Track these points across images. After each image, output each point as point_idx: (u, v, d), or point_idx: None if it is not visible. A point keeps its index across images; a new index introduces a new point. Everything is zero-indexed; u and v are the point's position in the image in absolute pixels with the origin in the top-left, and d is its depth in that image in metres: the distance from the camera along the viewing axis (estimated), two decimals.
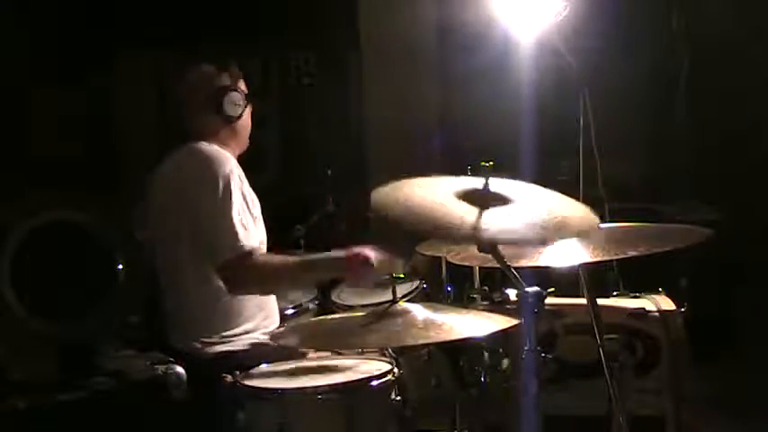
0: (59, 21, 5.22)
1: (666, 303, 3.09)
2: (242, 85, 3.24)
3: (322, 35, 5.76)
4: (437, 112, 5.62)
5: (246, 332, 3.06)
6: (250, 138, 3.31)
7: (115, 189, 5.16)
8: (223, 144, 3.16)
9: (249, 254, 2.90)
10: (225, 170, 2.99)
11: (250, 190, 3.13)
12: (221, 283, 2.96)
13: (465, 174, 3.54)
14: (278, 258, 3.01)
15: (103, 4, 5.29)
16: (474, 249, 2.23)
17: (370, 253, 2.87)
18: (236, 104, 3.17)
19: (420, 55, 5.58)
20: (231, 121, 3.18)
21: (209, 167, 3.00)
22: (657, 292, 3.18)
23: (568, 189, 2.51)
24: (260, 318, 3.12)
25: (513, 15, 3.13)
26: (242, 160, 3.40)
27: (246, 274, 2.91)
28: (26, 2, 5.06)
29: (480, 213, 2.18)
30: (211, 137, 3.16)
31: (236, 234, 2.90)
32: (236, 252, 2.88)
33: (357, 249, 2.88)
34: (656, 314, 3.02)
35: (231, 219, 2.92)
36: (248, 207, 3.04)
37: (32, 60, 5.17)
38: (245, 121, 3.24)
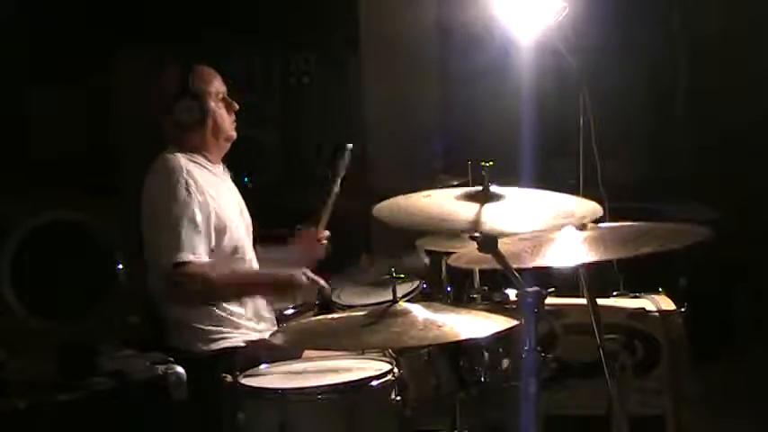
0: (59, 21, 5.22)
1: (666, 303, 3.09)
2: (210, 87, 3.21)
3: (322, 35, 5.75)
4: (437, 112, 5.61)
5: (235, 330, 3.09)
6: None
7: (115, 189, 5.15)
8: (188, 149, 3.18)
9: (183, 264, 2.92)
10: (170, 181, 3.03)
11: (219, 192, 3.14)
12: None
13: (465, 173, 3.55)
14: (216, 275, 3.01)
15: (103, 4, 5.29)
16: (475, 253, 2.23)
17: (301, 276, 3.02)
18: (188, 111, 3.15)
19: (420, 55, 5.57)
20: (187, 128, 3.17)
21: (155, 181, 3.07)
22: (657, 292, 3.18)
23: (568, 189, 2.52)
24: (254, 321, 3.13)
25: (513, 15, 3.13)
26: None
27: (178, 287, 2.94)
28: (26, 2, 5.06)
29: (480, 209, 2.21)
30: (175, 142, 3.19)
31: (172, 245, 2.93)
32: (171, 262, 2.91)
33: (290, 271, 3.02)
34: (656, 314, 3.02)
35: (169, 230, 2.94)
36: (199, 211, 3.04)
37: (32, 60, 5.16)
38: (213, 125, 3.21)
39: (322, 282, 3.09)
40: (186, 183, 3.03)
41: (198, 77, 3.20)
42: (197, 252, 2.97)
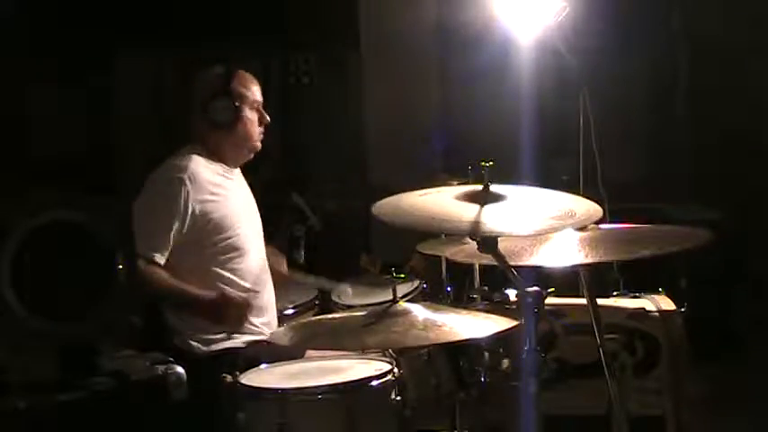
0: (59, 21, 5.22)
1: (666, 303, 3.09)
2: (249, 93, 3.21)
3: (322, 35, 5.75)
4: (437, 112, 5.61)
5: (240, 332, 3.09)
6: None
7: (115, 189, 5.16)
8: (213, 151, 3.18)
9: (148, 262, 2.97)
10: (166, 181, 3.07)
11: (227, 195, 3.15)
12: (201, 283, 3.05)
13: (465, 174, 3.55)
14: (163, 279, 3.03)
15: (103, 4, 5.29)
16: (474, 249, 2.23)
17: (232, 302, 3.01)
18: (224, 111, 3.15)
19: (420, 55, 5.57)
20: (218, 128, 3.16)
21: (155, 176, 3.09)
22: (657, 292, 3.18)
23: (568, 189, 2.52)
24: (255, 319, 3.14)
25: (513, 15, 3.13)
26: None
27: (142, 280, 2.92)
28: (26, 2, 5.06)
29: (480, 210, 2.20)
30: (202, 141, 3.19)
31: (145, 241, 2.93)
32: (141, 255, 2.90)
33: (222, 296, 3.01)
34: (656, 314, 3.02)
35: (147, 225, 2.93)
36: (179, 218, 3.05)
37: (32, 60, 5.17)
38: (243, 131, 3.21)
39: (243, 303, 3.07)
40: (183, 190, 3.06)
41: (240, 81, 3.20)
42: (156, 254, 3.01)
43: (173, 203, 3.05)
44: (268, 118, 3.26)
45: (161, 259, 3.03)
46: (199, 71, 3.27)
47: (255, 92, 3.24)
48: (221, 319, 3.03)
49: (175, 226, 3.05)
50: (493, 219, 2.21)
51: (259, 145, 3.28)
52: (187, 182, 3.07)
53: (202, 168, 3.13)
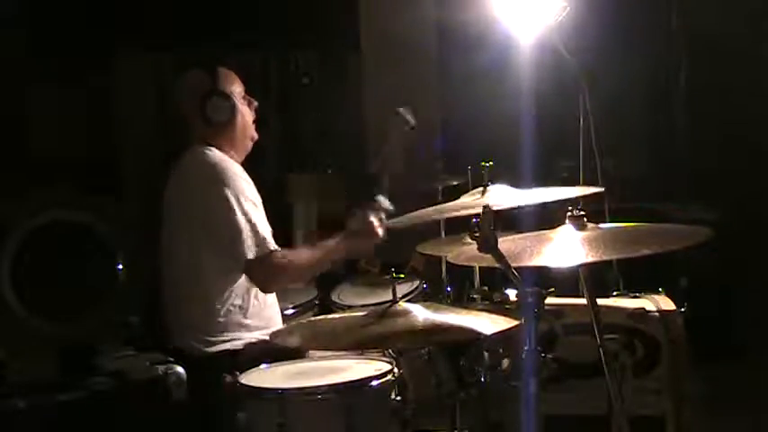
0: (59, 21, 5.21)
1: (666, 303, 3.09)
2: (235, 87, 3.24)
3: (322, 35, 5.75)
4: (437, 112, 5.61)
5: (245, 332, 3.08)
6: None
7: (115, 189, 5.16)
8: (221, 150, 3.17)
9: (274, 252, 3.03)
10: (232, 177, 3.06)
11: (255, 191, 3.16)
12: (223, 286, 3.02)
13: (464, 174, 3.55)
14: (298, 253, 3.17)
15: (103, 4, 5.28)
16: (475, 251, 2.23)
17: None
18: (220, 109, 3.17)
19: (420, 55, 5.57)
20: (219, 126, 3.17)
21: (217, 176, 3.05)
22: (657, 292, 3.18)
23: (562, 183, 2.52)
24: (259, 320, 3.13)
25: (513, 15, 3.13)
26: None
27: (274, 272, 3.05)
28: (26, 2, 5.06)
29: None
30: (204, 142, 3.18)
31: (258, 235, 3.01)
32: (262, 251, 3.00)
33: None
34: (656, 314, 3.02)
35: (251, 221, 3.01)
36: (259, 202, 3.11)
37: (32, 60, 5.16)
38: (242, 124, 3.24)
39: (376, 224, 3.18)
40: (243, 179, 3.09)
41: (224, 77, 3.23)
42: (272, 240, 3.07)
43: (252, 193, 3.09)
44: (255, 102, 3.31)
45: (274, 245, 3.06)
46: (179, 76, 3.29)
47: (239, 84, 3.28)
48: (360, 250, 3.22)
49: (261, 205, 3.09)
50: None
51: (256, 134, 3.31)
52: (243, 176, 3.11)
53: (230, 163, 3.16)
